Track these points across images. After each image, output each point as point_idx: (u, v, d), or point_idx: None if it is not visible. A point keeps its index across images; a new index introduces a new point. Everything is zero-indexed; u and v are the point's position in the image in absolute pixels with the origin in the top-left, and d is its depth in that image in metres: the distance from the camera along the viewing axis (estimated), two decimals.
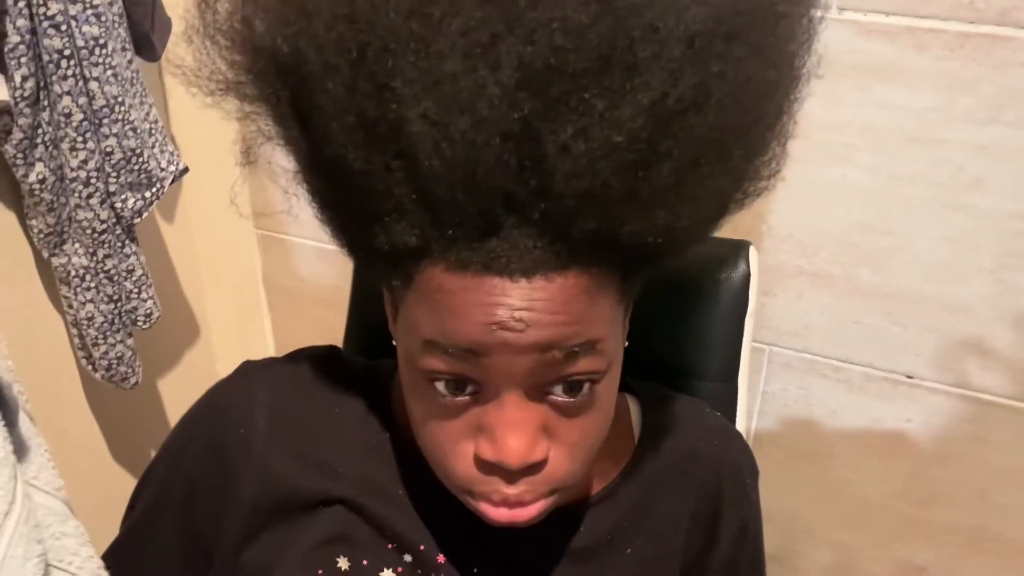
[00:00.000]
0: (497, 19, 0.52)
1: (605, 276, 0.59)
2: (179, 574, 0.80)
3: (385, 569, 0.73)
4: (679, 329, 0.95)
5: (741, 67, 0.55)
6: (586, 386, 0.61)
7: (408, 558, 0.73)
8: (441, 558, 0.73)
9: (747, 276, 0.95)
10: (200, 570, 0.78)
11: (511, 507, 0.63)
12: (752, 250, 0.96)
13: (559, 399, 0.61)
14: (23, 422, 0.71)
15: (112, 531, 0.86)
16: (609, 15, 0.52)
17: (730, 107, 0.55)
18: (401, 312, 0.63)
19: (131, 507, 0.84)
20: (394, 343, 0.68)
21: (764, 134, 0.60)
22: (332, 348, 0.84)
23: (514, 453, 0.59)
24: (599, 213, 0.55)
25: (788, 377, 1.23)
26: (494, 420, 0.60)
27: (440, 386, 0.61)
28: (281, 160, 0.66)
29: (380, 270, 0.64)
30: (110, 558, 0.84)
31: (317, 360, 0.81)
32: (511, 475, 0.61)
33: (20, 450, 0.70)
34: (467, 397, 0.61)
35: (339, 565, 0.73)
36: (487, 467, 0.62)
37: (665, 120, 0.53)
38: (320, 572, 0.72)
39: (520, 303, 0.56)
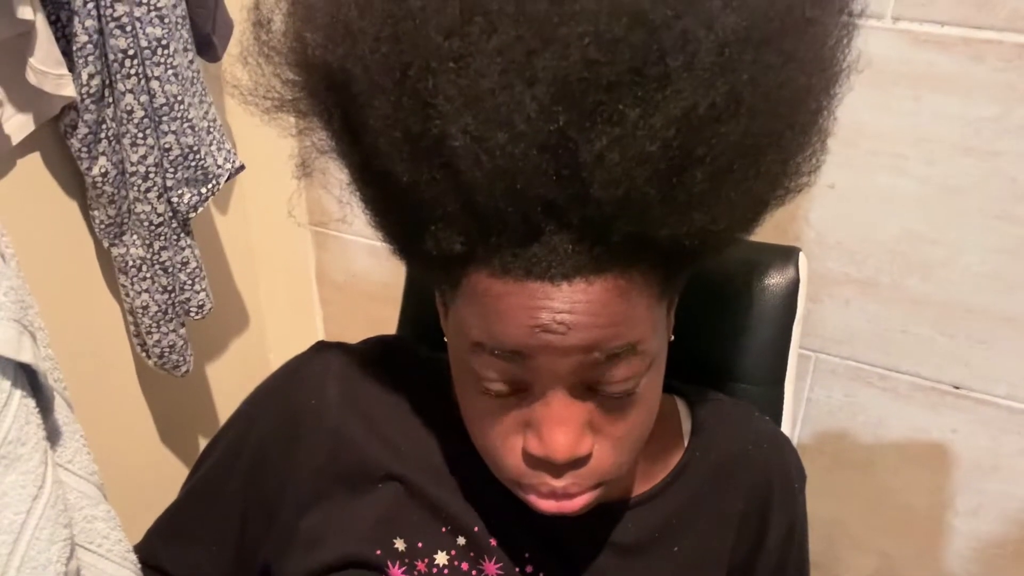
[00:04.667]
0: (532, 36, 0.53)
1: (644, 277, 0.60)
2: (234, 537, 0.82)
3: (439, 551, 0.75)
4: (727, 332, 0.96)
5: (772, 74, 0.56)
6: (629, 385, 0.62)
7: (461, 541, 0.75)
8: (493, 542, 0.75)
9: (796, 282, 0.95)
10: (256, 534, 0.81)
11: (558, 499, 0.65)
12: (802, 256, 0.96)
13: (603, 396, 0.62)
14: (60, 408, 0.74)
15: (157, 514, 0.88)
16: (640, 27, 0.53)
17: (762, 113, 0.56)
18: (450, 313, 0.66)
19: (194, 472, 0.87)
20: (445, 339, 0.70)
21: (799, 137, 0.61)
22: (399, 337, 0.86)
23: (560, 448, 0.61)
24: (636, 218, 0.56)
25: (833, 384, 1.23)
26: (541, 417, 0.62)
27: (488, 384, 0.63)
28: (336, 172, 0.68)
29: (430, 274, 0.66)
30: (163, 525, 0.88)
31: (386, 345, 0.84)
32: (557, 469, 0.64)
33: (55, 435, 0.73)
34: (514, 395, 0.63)
35: (396, 546, 0.75)
36: (534, 461, 0.64)
37: (698, 128, 0.54)
38: (379, 552, 0.75)
39: (562, 306, 0.57)
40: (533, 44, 0.53)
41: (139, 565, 0.82)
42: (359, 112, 0.60)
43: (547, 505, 0.65)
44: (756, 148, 0.57)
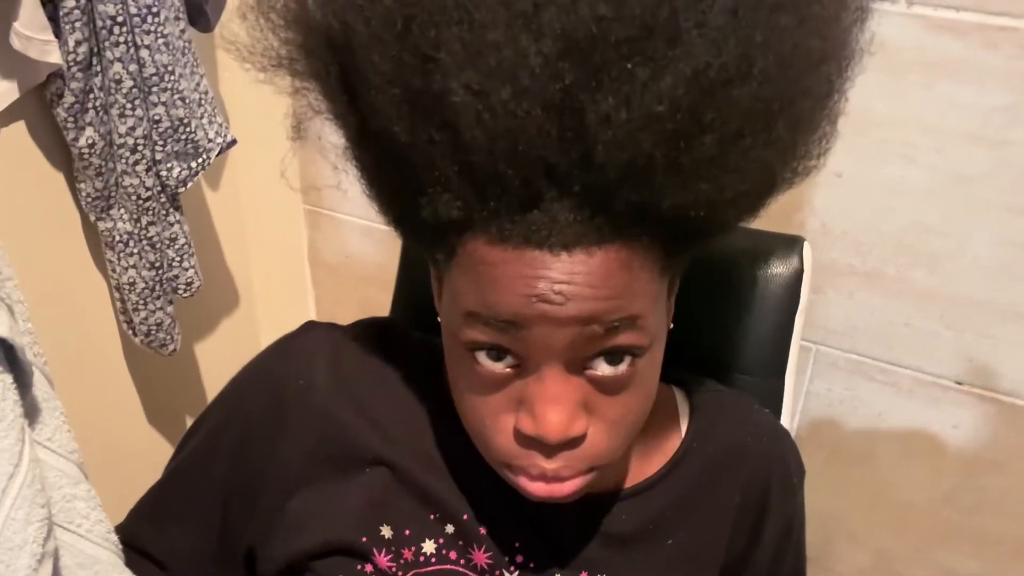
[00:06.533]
0: None
1: (647, 251, 0.59)
2: (217, 518, 0.81)
3: (427, 539, 0.74)
4: (729, 323, 0.95)
5: (785, 37, 0.54)
6: (626, 360, 0.61)
7: (450, 529, 0.74)
8: (483, 530, 0.74)
9: (800, 272, 0.94)
10: (240, 516, 0.80)
11: (549, 482, 0.63)
12: (806, 246, 0.94)
13: (598, 374, 0.61)
14: (40, 385, 0.72)
15: (141, 493, 0.87)
16: None
17: (774, 78, 0.55)
18: (445, 285, 0.64)
19: (178, 452, 0.86)
20: (439, 319, 0.68)
21: (810, 107, 0.59)
22: (392, 319, 0.85)
23: (553, 427, 0.60)
24: (640, 185, 0.55)
25: (834, 377, 1.22)
26: (534, 394, 0.60)
27: (480, 356, 0.61)
28: (331, 136, 0.66)
29: (425, 244, 0.65)
30: (145, 505, 0.87)
31: (378, 328, 0.83)
32: (549, 449, 0.62)
33: (34, 412, 0.72)
34: (508, 370, 0.61)
35: (382, 533, 0.74)
36: (526, 441, 0.62)
37: (708, 90, 0.53)
38: (364, 539, 0.74)
39: (560, 276, 0.56)
40: (540, 3, 0.52)
41: (120, 546, 0.81)
42: (358, 69, 0.58)
43: (537, 488, 0.63)
44: (766, 114, 0.55)
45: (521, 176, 0.55)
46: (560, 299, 0.56)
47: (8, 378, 0.67)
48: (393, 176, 0.62)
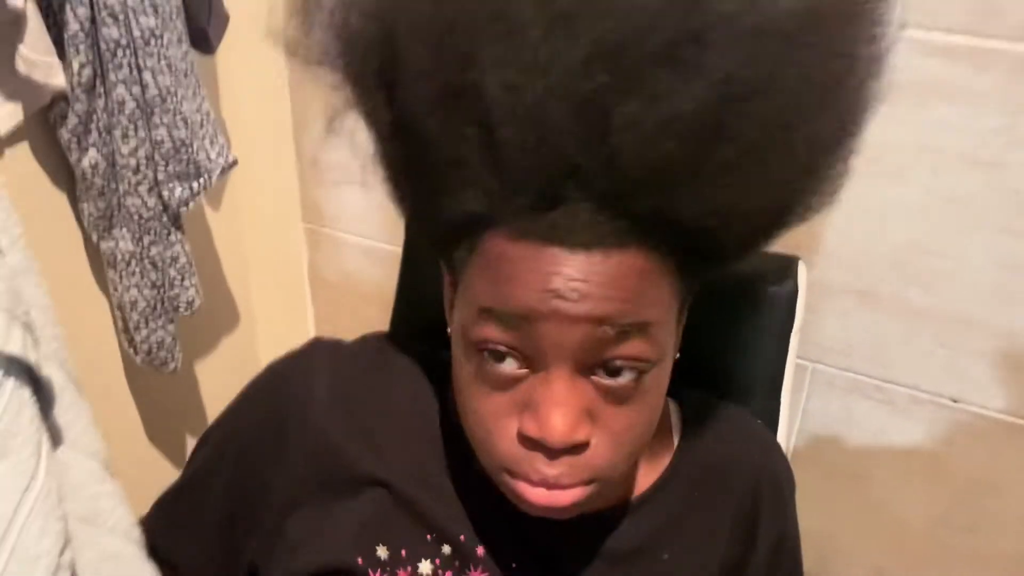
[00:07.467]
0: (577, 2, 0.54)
1: (664, 262, 0.60)
2: (221, 533, 0.82)
3: (423, 560, 0.74)
4: (724, 342, 0.95)
5: (810, 54, 0.56)
6: (635, 372, 0.61)
7: (447, 549, 0.74)
8: (480, 551, 0.74)
9: (795, 292, 0.94)
10: (242, 533, 0.80)
11: (549, 488, 0.63)
12: (801, 266, 0.95)
13: (606, 381, 0.61)
14: (67, 389, 0.73)
15: (141, 510, 0.88)
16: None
17: (797, 93, 0.56)
18: (460, 286, 0.65)
19: (188, 464, 0.87)
20: (449, 331, 0.69)
21: (829, 130, 0.60)
22: (395, 335, 0.86)
23: (558, 431, 0.60)
24: (661, 190, 0.56)
25: (830, 395, 1.21)
26: (540, 396, 0.61)
27: (490, 356, 0.62)
28: (340, 152, 0.67)
29: (445, 243, 0.66)
30: (158, 511, 0.88)
31: (381, 344, 0.84)
32: (552, 454, 0.62)
33: (62, 415, 0.72)
34: (516, 371, 0.62)
35: (378, 554, 0.74)
36: (529, 444, 0.63)
37: (732, 99, 0.54)
38: (360, 560, 0.74)
39: (576, 274, 0.57)
40: (579, 7, 0.54)
41: (143, 540, 0.82)
42: (397, 64, 0.60)
43: (536, 495, 0.63)
44: (788, 128, 0.57)
45: (546, 174, 0.56)
46: (575, 296, 0.57)
47: (26, 392, 0.67)
48: (420, 171, 0.63)
